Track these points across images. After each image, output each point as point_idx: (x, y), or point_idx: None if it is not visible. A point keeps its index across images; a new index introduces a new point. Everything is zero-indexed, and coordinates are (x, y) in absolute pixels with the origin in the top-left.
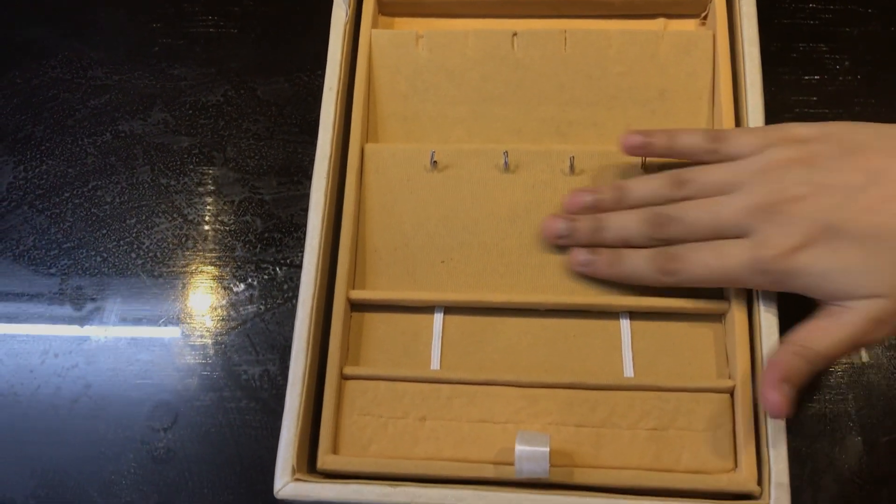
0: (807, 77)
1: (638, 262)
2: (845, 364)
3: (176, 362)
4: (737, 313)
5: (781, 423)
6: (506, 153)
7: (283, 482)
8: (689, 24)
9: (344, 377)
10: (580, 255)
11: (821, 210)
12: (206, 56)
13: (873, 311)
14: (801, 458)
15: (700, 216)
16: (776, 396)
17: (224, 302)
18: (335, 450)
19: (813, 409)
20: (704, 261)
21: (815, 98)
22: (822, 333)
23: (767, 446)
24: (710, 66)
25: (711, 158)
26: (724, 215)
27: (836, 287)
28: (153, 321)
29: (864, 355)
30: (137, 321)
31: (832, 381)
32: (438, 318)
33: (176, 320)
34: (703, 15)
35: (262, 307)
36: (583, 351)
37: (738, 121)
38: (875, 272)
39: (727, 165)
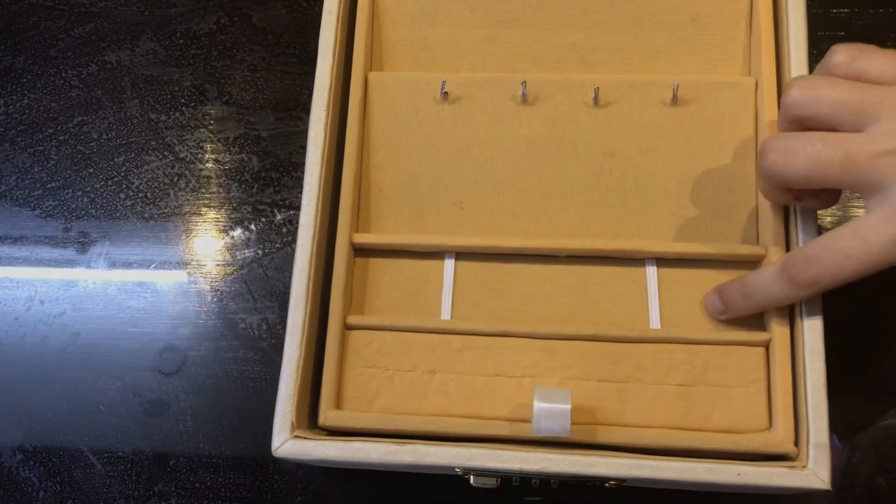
0: (834, 10)
1: (766, 283)
2: (886, 320)
3: (169, 310)
4: (774, 258)
5: (821, 379)
6: (523, 83)
7: (282, 439)
8: None
9: (347, 327)
10: (713, 304)
11: None
12: None
13: None
14: (834, 415)
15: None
16: None
17: (219, 246)
18: (338, 404)
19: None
20: (846, 252)
21: (842, 33)
22: None
23: (805, 404)
24: None
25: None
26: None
27: None
28: (144, 266)
29: None
30: (127, 266)
31: (873, 339)
32: (449, 264)
33: (168, 265)
34: None
35: (260, 252)
36: (606, 300)
37: (779, 47)
38: None
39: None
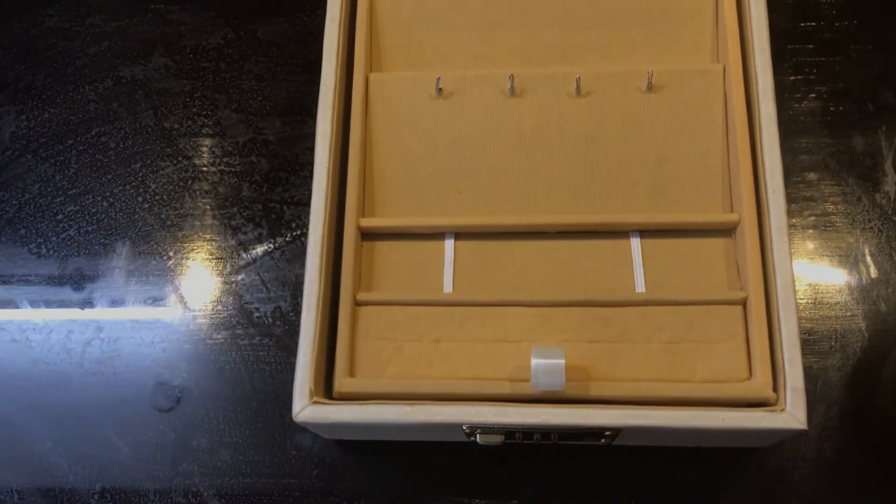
0: (802, 24)
1: None
2: (854, 280)
3: (187, 302)
4: (747, 225)
5: (795, 331)
6: (511, 77)
7: (302, 405)
8: None
9: (357, 303)
10: None
11: None
12: None
13: None
14: (812, 374)
15: None
16: None
17: (233, 242)
18: (352, 373)
19: (823, 326)
20: None
21: (810, 46)
22: None
23: (782, 353)
24: None
25: None
26: None
27: None
28: (162, 263)
29: (873, 270)
30: (146, 263)
31: (841, 298)
32: (449, 243)
33: (185, 261)
34: None
35: (271, 245)
36: (594, 270)
37: (743, 35)
38: None
39: None
